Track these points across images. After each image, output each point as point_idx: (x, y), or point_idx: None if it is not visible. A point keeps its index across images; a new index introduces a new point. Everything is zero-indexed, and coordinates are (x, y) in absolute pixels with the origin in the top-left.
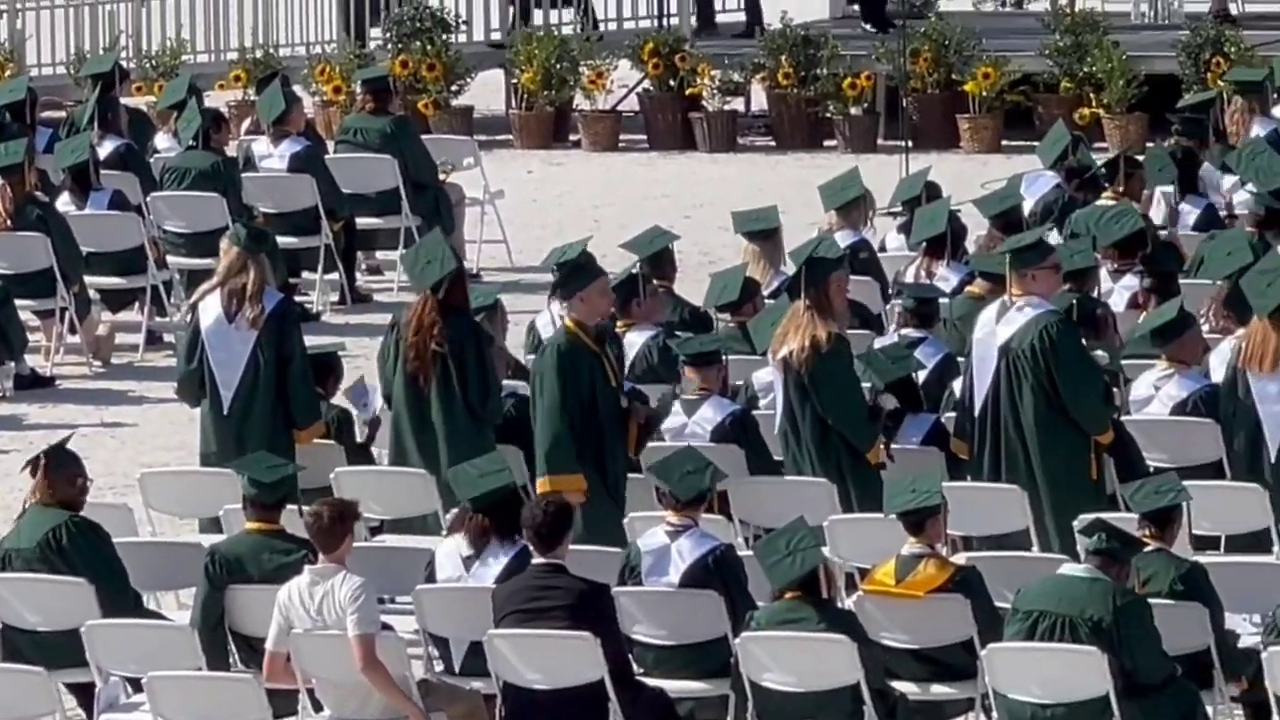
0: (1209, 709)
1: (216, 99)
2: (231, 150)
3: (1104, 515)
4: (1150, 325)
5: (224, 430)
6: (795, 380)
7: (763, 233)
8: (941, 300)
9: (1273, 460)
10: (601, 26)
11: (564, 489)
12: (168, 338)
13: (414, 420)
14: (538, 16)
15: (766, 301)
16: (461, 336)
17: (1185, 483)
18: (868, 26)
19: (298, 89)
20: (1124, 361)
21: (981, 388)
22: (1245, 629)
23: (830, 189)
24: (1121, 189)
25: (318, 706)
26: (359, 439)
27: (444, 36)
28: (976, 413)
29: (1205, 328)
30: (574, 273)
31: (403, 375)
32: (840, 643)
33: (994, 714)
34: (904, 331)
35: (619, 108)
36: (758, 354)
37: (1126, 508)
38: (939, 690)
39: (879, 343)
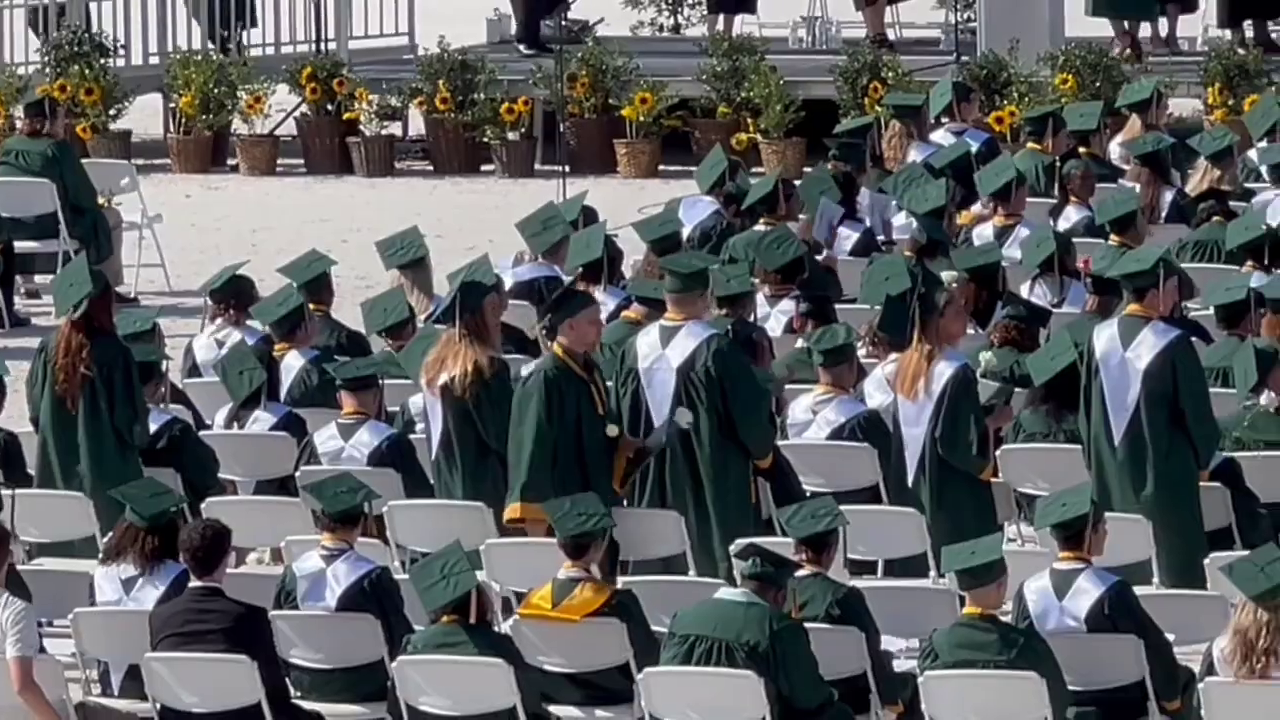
0: None
1: None
2: None
3: (759, 540)
4: (822, 346)
5: None
6: (456, 406)
7: (410, 263)
8: None
9: (909, 483)
10: (259, 51)
11: (533, 518)
12: None
13: (60, 443)
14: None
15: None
16: (110, 359)
17: (842, 507)
18: (523, 48)
19: None
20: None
21: (659, 411)
22: (901, 653)
23: (529, 226)
24: (780, 214)
25: None
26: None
27: (102, 60)
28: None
29: (862, 352)
30: (564, 300)
31: (50, 398)
32: (497, 666)
33: None
34: None
35: (276, 132)
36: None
37: (783, 532)
38: (596, 714)
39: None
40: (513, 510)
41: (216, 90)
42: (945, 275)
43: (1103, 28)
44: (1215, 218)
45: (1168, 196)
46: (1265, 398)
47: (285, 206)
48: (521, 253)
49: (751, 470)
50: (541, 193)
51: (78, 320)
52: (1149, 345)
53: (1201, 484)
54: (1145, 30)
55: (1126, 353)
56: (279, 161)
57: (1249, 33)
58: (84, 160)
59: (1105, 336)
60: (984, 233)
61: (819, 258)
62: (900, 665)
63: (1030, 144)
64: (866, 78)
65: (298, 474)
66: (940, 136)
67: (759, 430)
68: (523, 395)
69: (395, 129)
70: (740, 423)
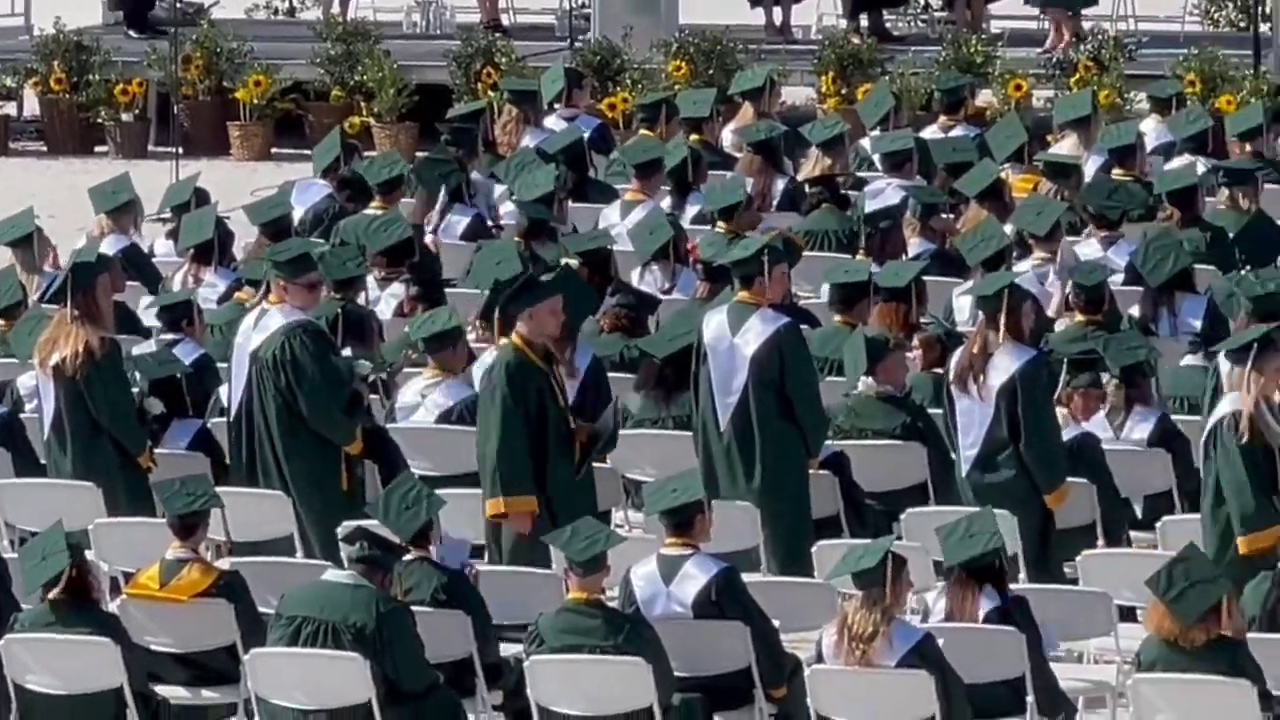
0: (471, 716)
1: None
2: None
3: (365, 523)
4: (421, 334)
5: None
6: (68, 386)
7: (18, 240)
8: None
9: None
10: None
11: (516, 510)
12: None
13: None
14: None
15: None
16: None
17: (446, 491)
18: (132, 32)
19: None
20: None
21: (236, 394)
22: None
23: (100, 193)
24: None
25: None
26: None
27: None
28: (232, 419)
29: (472, 336)
30: (524, 289)
31: None
32: (103, 645)
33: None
34: (163, 336)
35: None
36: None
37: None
38: (203, 694)
39: (141, 349)
40: (495, 506)
41: None
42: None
43: (716, 15)
44: (824, 204)
45: (779, 184)
46: (863, 383)
47: None
48: (100, 228)
49: (341, 456)
50: (155, 174)
51: None
52: (756, 332)
53: (811, 472)
54: (760, 17)
55: (735, 339)
56: None
57: (864, 22)
58: None
59: (714, 323)
60: (609, 215)
61: (428, 240)
62: (507, 651)
63: (643, 130)
64: (480, 63)
65: None
66: (553, 122)
67: (330, 419)
68: (486, 390)
69: (10, 109)
70: (308, 412)
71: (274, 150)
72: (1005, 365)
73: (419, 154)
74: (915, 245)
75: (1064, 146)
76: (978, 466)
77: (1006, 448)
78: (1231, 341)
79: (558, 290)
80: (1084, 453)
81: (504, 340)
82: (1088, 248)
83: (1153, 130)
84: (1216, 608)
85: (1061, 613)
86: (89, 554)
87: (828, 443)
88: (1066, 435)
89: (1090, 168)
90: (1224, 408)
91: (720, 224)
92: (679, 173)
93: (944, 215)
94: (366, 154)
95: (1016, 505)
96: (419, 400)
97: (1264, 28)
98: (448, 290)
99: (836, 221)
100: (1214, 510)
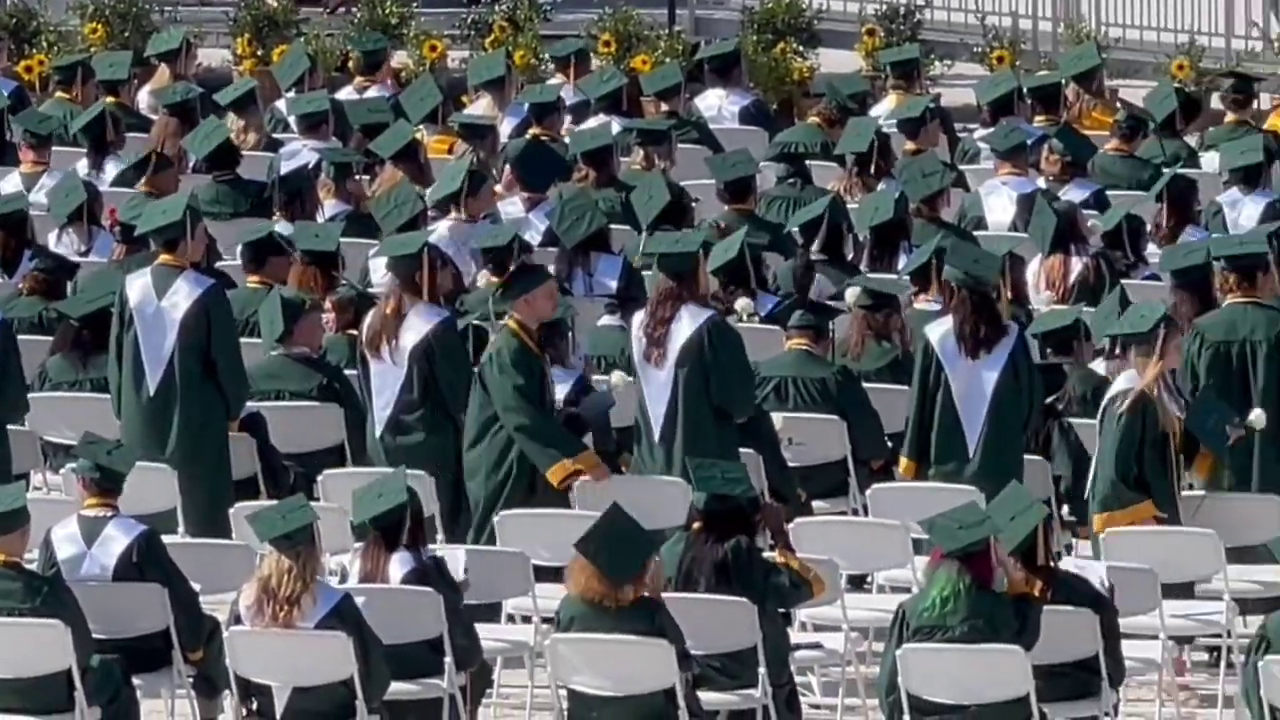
0: None
1: None
2: None
3: None
4: None
5: None
6: None
7: None
8: None
9: None
10: None
11: (587, 465)
12: None
13: None
14: None
15: None
16: None
17: None
18: None
19: None
20: None
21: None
22: None
23: None
24: None
25: None
26: None
27: None
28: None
29: None
30: (520, 274)
31: None
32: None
33: None
34: None
35: None
36: None
37: None
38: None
39: None
40: (562, 470)
41: None
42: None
43: None
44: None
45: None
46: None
47: None
48: None
49: None
50: None
51: None
52: (184, 294)
53: (231, 434)
54: None
55: (161, 302)
56: None
57: None
58: None
59: (138, 286)
60: (13, 181)
61: None
62: None
63: (59, 93)
64: None
65: None
66: None
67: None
68: (499, 378)
69: None
70: None
71: None
72: (418, 326)
73: None
74: (331, 207)
75: (479, 107)
76: (390, 428)
77: (419, 409)
78: (1126, 322)
79: (549, 277)
80: None
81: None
82: (511, 206)
83: (569, 91)
84: (645, 567)
85: (488, 572)
86: None
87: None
88: None
89: (505, 128)
90: (1119, 385)
91: (140, 184)
92: (96, 135)
93: (358, 177)
94: None
95: (430, 467)
96: None
97: None
98: None
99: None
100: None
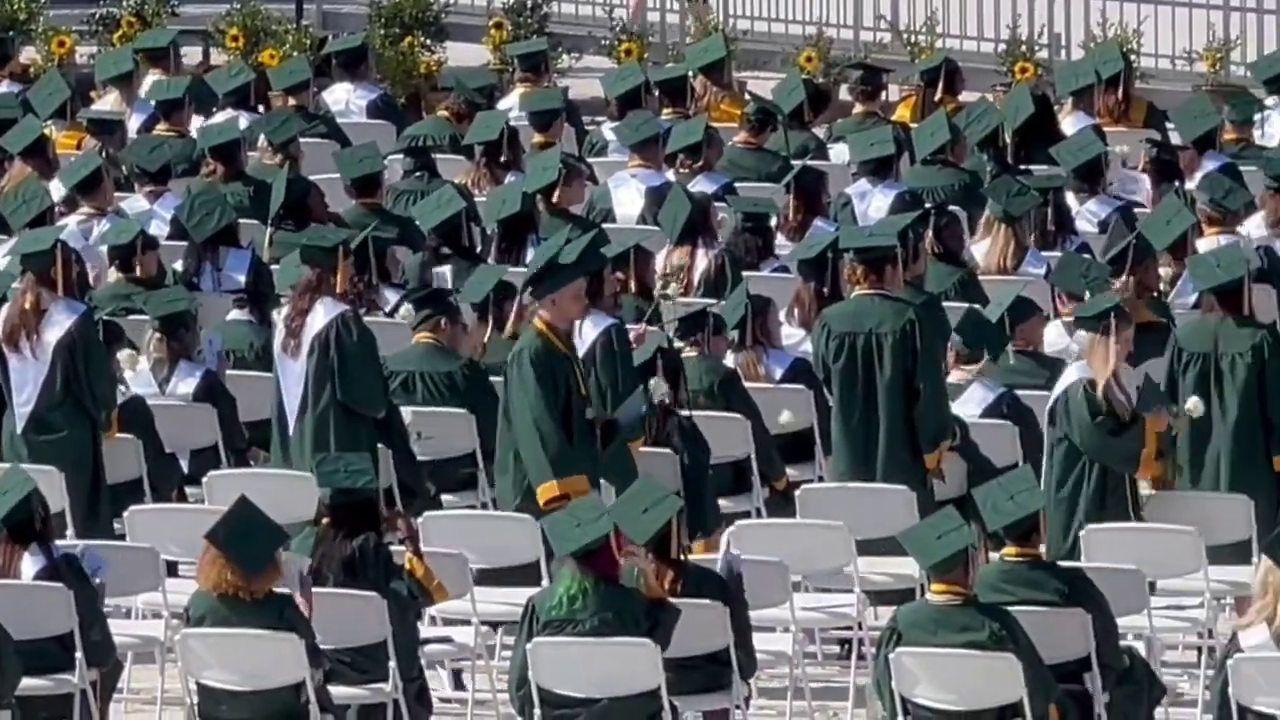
0: None
1: None
2: None
3: None
4: None
5: None
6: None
7: None
8: None
9: None
10: None
11: (574, 490)
12: None
13: None
14: None
15: None
16: None
17: None
18: None
19: None
20: None
21: None
22: None
23: None
24: None
25: None
26: None
27: None
28: None
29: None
30: (548, 273)
31: None
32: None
33: None
34: None
35: None
36: None
37: None
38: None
39: None
40: (549, 490)
41: None
42: None
43: None
44: None
45: None
46: None
47: None
48: None
49: None
50: None
51: None
52: None
53: None
54: None
55: None
56: None
57: None
58: None
59: None
60: None
61: None
62: None
63: None
64: None
65: None
66: None
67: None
68: (517, 377)
69: None
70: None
71: None
72: (61, 322)
73: None
74: None
75: (107, 102)
76: (31, 425)
77: (62, 404)
78: (1085, 309)
79: (580, 274)
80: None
81: (527, 325)
82: (136, 201)
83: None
84: (275, 558)
85: (118, 567)
86: None
87: None
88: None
89: (134, 124)
90: (1071, 375)
91: None
92: None
93: None
94: None
95: (72, 463)
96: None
97: None
98: None
99: None
100: (1058, 489)
